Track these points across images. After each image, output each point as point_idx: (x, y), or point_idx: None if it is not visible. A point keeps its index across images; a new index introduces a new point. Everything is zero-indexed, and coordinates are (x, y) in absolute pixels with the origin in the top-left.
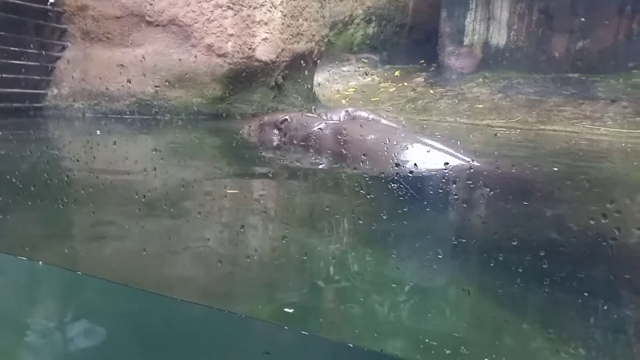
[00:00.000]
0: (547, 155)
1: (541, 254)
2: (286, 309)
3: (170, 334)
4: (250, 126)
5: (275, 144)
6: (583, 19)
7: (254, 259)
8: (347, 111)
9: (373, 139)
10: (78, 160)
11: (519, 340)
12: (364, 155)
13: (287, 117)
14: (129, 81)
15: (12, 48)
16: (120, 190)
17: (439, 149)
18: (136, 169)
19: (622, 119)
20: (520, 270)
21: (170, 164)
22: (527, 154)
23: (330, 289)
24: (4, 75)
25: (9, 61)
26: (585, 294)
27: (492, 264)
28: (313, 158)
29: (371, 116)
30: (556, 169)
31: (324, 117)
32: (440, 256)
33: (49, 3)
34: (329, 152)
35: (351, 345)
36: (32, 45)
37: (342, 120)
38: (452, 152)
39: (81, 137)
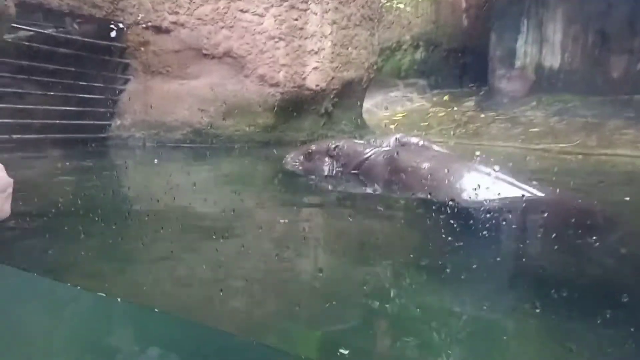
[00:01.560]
0: (611, 182)
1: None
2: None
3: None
4: (294, 156)
5: (325, 172)
6: None
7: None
8: (397, 138)
9: (427, 166)
10: (130, 188)
11: None
12: (417, 182)
13: (338, 144)
14: (188, 109)
15: (80, 82)
16: (172, 217)
17: (495, 177)
18: (189, 197)
19: None
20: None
21: (222, 192)
22: (591, 181)
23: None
24: (72, 108)
25: (77, 95)
26: None
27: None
28: (365, 186)
29: (421, 142)
30: (627, 198)
31: (374, 144)
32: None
33: (112, 40)
34: (382, 179)
35: None
36: (97, 80)
37: (392, 147)
38: (509, 179)
39: (140, 166)
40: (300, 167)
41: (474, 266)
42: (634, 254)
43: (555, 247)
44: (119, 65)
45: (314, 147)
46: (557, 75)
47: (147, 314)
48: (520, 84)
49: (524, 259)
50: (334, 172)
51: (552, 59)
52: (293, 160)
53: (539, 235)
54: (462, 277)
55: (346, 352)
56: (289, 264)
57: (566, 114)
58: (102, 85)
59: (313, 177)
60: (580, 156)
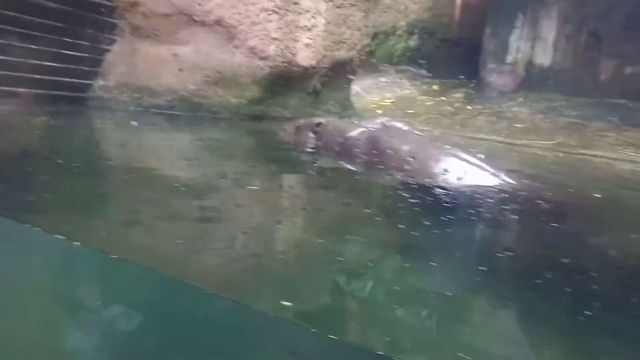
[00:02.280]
0: (586, 179)
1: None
2: (284, 302)
3: (190, 324)
4: (287, 128)
5: (310, 147)
6: (634, 44)
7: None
8: (382, 122)
9: (407, 149)
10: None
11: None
12: (395, 163)
13: (322, 121)
14: (175, 75)
15: (65, 39)
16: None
17: (473, 164)
18: (166, 162)
19: None
20: (541, 290)
21: (199, 160)
22: (565, 177)
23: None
24: (55, 64)
25: (61, 51)
26: (607, 315)
27: (512, 279)
28: (345, 163)
29: (405, 127)
30: (597, 195)
31: (358, 125)
32: (463, 264)
33: None
34: (362, 158)
35: (381, 353)
36: (83, 37)
37: (375, 128)
38: (485, 167)
39: (119, 128)
40: (291, 140)
41: (434, 237)
42: (592, 242)
43: (519, 232)
44: (107, 24)
45: (302, 122)
46: (547, 74)
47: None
48: (510, 79)
49: (487, 235)
50: (317, 147)
51: (544, 57)
52: (286, 132)
53: (505, 221)
54: (407, 248)
55: (290, 304)
56: (247, 223)
57: (551, 113)
58: (87, 43)
59: (298, 151)
60: (561, 154)
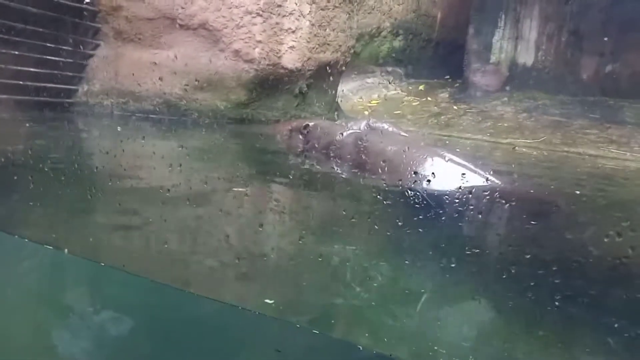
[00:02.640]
0: (569, 176)
1: (546, 270)
2: (267, 300)
3: (178, 327)
4: (280, 130)
5: (299, 149)
6: (614, 42)
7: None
8: (367, 123)
9: (393, 149)
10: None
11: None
12: (382, 163)
13: (309, 123)
14: (160, 79)
15: (48, 44)
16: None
17: (457, 163)
18: (149, 169)
19: None
20: (528, 284)
21: (184, 164)
22: (548, 175)
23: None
24: (38, 70)
25: (45, 56)
26: (592, 308)
27: (499, 276)
28: (331, 165)
29: (391, 129)
30: (577, 191)
31: (345, 126)
32: (446, 263)
33: (85, 2)
34: (348, 160)
35: (360, 348)
36: (66, 42)
37: (361, 130)
38: (470, 166)
39: (104, 134)
40: (284, 143)
41: (418, 236)
42: (572, 236)
43: (501, 224)
44: (90, 29)
45: (293, 124)
46: (530, 73)
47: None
48: (494, 79)
49: (470, 233)
50: (306, 149)
51: (526, 56)
52: (280, 135)
53: (490, 215)
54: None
55: (271, 302)
56: (230, 225)
57: (535, 111)
58: (70, 48)
59: (290, 153)
60: (545, 152)
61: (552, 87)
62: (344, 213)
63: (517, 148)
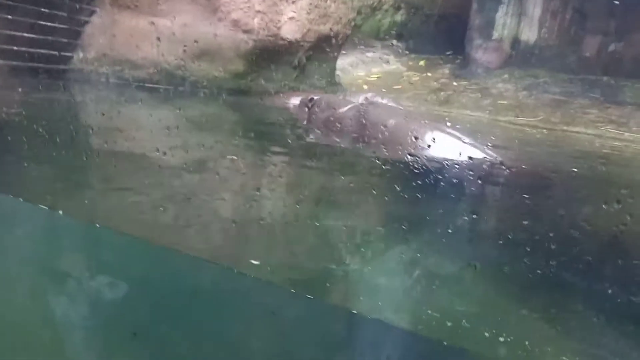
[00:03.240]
0: (566, 155)
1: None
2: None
3: (174, 288)
4: (294, 102)
5: (305, 122)
6: (618, 22)
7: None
8: (366, 97)
9: (391, 124)
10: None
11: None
12: (379, 137)
13: (314, 97)
14: (157, 47)
15: (42, 9)
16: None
17: (456, 137)
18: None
19: None
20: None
21: (179, 137)
22: (546, 153)
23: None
24: (32, 36)
25: (39, 22)
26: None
27: (488, 249)
28: (333, 138)
29: (390, 104)
30: (575, 169)
31: (347, 100)
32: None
33: None
34: (348, 133)
35: (355, 312)
36: (62, 8)
37: (361, 104)
38: (467, 141)
39: (97, 102)
40: (297, 115)
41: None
42: (563, 211)
43: (491, 198)
44: None
45: (302, 97)
46: (532, 50)
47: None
48: (495, 55)
49: (463, 206)
50: (310, 122)
51: (529, 34)
52: (294, 107)
53: (483, 188)
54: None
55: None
56: (222, 189)
57: (535, 89)
58: (65, 14)
59: (299, 126)
60: (544, 130)
61: (553, 65)
62: (334, 182)
63: (516, 126)
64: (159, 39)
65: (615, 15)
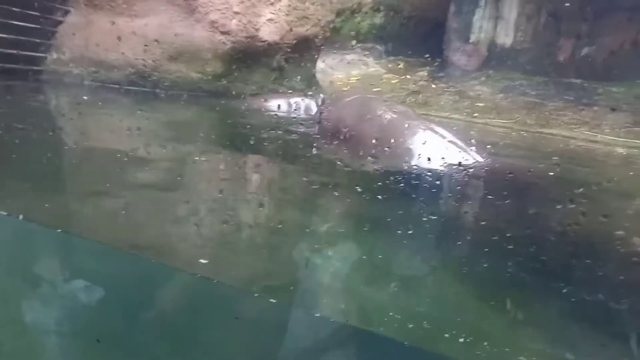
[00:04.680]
0: (541, 156)
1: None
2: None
3: (138, 293)
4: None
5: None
6: (590, 26)
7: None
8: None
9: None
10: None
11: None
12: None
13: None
14: (133, 48)
15: (14, 9)
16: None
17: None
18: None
19: (620, 127)
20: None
21: (152, 140)
22: (520, 154)
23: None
24: (5, 36)
25: (11, 21)
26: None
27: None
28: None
29: (380, 105)
30: (548, 171)
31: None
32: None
33: None
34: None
35: (318, 315)
36: (35, 7)
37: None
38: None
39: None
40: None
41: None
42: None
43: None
44: None
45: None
46: (508, 53)
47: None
48: (473, 58)
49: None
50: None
51: (505, 37)
52: None
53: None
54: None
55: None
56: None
57: (511, 92)
58: (38, 14)
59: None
60: (521, 132)
61: (529, 68)
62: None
63: (492, 128)
64: (135, 39)
65: (587, 20)
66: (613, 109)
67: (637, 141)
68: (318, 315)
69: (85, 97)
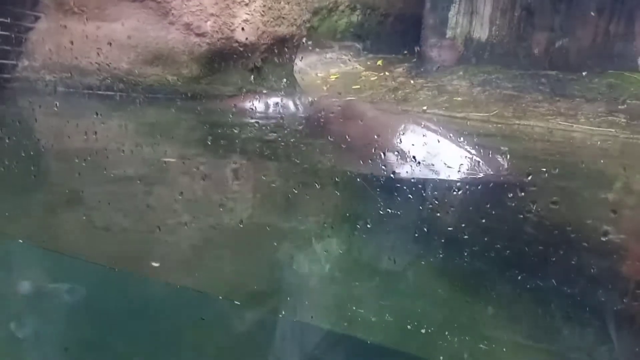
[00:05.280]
0: (519, 148)
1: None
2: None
3: (95, 299)
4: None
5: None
6: (563, 18)
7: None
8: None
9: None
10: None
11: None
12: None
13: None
14: (106, 53)
15: None
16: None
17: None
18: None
19: (594, 117)
20: (461, 249)
21: (124, 144)
22: (498, 146)
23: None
24: None
25: None
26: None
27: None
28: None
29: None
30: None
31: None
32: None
33: None
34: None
35: (281, 315)
36: (3, 14)
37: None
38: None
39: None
40: None
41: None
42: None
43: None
44: (28, 0)
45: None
46: (484, 48)
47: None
48: (450, 53)
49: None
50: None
51: (481, 31)
52: None
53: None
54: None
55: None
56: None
57: (489, 85)
58: (7, 20)
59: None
60: (499, 125)
61: (505, 61)
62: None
63: (471, 122)
64: (109, 44)
65: (560, 13)
66: (588, 99)
67: (611, 130)
68: (282, 316)
69: (57, 103)
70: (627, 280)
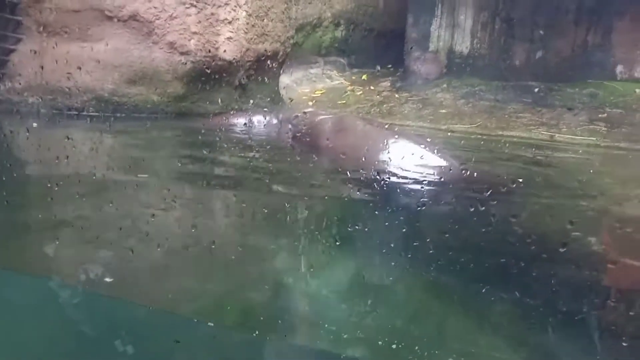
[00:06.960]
0: (502, 157)
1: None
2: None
3: (71, 322)
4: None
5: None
6: (542, 31)
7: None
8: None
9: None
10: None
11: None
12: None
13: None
14: (90, 74)
15: None
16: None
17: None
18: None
19: (575, 126)
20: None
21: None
22: (483, 157)
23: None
24: None
25: None
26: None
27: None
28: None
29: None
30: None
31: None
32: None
33: None
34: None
35: (255, 334)
36: None
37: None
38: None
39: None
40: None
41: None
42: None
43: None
44: (10, 22)
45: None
46: (466, 60)
47: None
48: (433, 67)
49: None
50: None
51: (462, 45)
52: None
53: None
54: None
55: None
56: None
57: (472, 97)
58: None
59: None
60: (484, 136)
61: (487, 73)
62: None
63: (455, 134)
64: (93, 64)
65: (539, 25)
66: (569, 109)
67: (592, 138)
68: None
69: (35, 124)
70: (611, 290)
